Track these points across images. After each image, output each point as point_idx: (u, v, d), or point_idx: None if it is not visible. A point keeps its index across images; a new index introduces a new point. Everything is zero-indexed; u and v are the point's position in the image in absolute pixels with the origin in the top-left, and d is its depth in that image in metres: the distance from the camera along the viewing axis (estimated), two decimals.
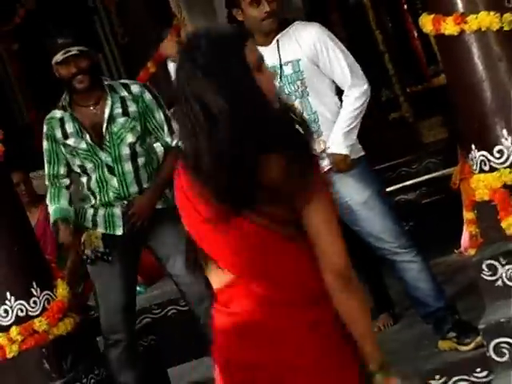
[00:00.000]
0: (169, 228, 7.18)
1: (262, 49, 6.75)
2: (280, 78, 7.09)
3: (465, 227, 7.59)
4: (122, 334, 7.37)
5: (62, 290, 7.56)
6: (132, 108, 7.05)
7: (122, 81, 7.39)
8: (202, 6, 11.21)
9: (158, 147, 7.45)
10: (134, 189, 7.14)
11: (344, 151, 7.05)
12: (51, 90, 7.38)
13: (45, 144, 7.27)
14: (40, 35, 7.54)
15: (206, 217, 4.14)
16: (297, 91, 7.11)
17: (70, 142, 7.00)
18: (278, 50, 7.02)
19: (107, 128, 6.97)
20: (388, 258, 7.24)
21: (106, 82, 7.23)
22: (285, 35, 7.04)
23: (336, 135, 7.09)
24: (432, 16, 6.87)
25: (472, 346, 6.76)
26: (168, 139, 7.34)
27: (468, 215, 7.26)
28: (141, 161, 7.14)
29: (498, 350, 6.34)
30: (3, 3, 11.78)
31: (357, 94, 7.08)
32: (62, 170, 7.20)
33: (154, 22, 10.04)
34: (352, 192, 7.12)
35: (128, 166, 7.09)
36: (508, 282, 6.61)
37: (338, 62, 7.05)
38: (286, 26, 7.13)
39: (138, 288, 10.28)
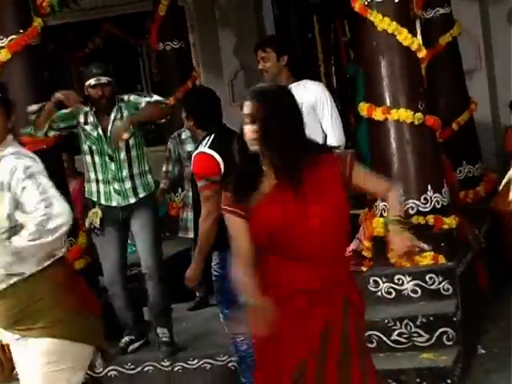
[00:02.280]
0: (148, 212, 7.11)
1: None
2: None
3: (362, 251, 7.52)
4: (119, 284, 7.21)
5: (81, 239, 7.63)
6: (125, 113, 7.04)
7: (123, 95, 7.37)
8: (212, 65, 11.33)
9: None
10: (126, 172, 7.05)
11: None
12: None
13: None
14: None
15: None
16: None
17: (87, 128, 7.04)
18: None
19: (111, 128, 6.98)
20: None
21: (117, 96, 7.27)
22: (297, 85, 6.78)
23: None
24: (367, 105, 7.00)
25: None
26: (147, 98, 7.21)
27: (366, 243, 7.26)
28: (133, 152, 7.07)
29: (370, 339, 6.35)
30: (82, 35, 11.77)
31: (333, 142, 6.62)
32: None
33: (178, 70, 10.07)
34: None
35: (123, 155, 7.03)
36: (385, 295, 6.70)
37: (328, 118, 6.89)
38: (299, 80, 6.97)
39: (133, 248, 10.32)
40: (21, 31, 7.55)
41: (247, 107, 4.19)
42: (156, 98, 7.28)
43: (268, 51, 6.94)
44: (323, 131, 6.97)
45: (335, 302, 4.29)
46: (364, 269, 7.17)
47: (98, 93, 6.99)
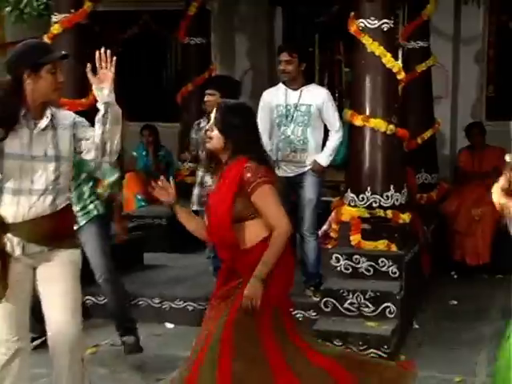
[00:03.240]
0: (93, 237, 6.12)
1: (290, 91, 6.84)
2: (297, 110, 6.83)
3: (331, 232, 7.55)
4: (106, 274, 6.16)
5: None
6: None
7: None
8: (227, 61, 11.33)
9: None
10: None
11: (324, 163, 6.89)
12: None
13: None
14: None
15: None
16: (303, 122, 6.82)
17: None
18: (300, 95, 6.80)
19: None
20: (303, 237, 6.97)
21: None
22: (306, 89, 6.85)
23: (324, 153, 6.90)
24: (351, 111, 6.98)
25: (318, 297, 6.69)
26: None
27: (334, 226, 7.29)
28: None
29: (326, 304, 6.40)
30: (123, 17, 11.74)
31: (337, 137, 6.93)
32: None
33: (198, 62, 10.05)
34: (309, 189, 6.90)
35: None
36: (344, 270, 6.70)
37: (332, 115, 6.89)
38: (309, 83, 6.98)
39: (142, 203, 10.32)
40: (72, 11, 7.56)
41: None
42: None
43: (293, 56, 6.87)
44: (325, 126, 7.00)
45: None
46: (329, 246, 7.25)
47: None
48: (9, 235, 4.25)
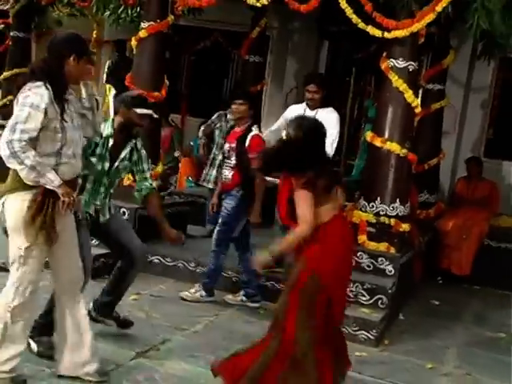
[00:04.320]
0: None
1: (308, 110, 6.76)
2: None
3: None
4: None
5: (159, 168, 7.61)
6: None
7: None
8: (277, 79, 11.26)
9: None
10: None
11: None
12: None
13: None
14: None
15: None
16: None
17: None
18: (315, 114, 6.48)
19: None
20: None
21: None
22: (322, 110, 6.75)
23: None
24: (372, 134, 6.90)
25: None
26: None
27: None
28: None
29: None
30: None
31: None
32: None
33: (254, 76, 9.99)
34: None
35: None
36: None
37: (332, 133, 6.41)
38: (327, 107, 6.86)
39: (191, 184, 10.24)
40: (158, 20, 7.54)
41: None
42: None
43: (320, 88, 6.85)
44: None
45: None
46: None
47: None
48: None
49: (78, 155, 4.19)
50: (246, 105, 6.60)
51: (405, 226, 6.82)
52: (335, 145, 6.64)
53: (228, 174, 6.57)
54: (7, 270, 5.68)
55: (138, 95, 5.27)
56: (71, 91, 4.19)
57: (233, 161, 6.52)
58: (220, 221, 6.53)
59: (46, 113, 3.92)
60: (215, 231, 6.60)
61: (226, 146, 6.67)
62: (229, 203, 6.48)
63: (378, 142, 6.81)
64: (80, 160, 4.24)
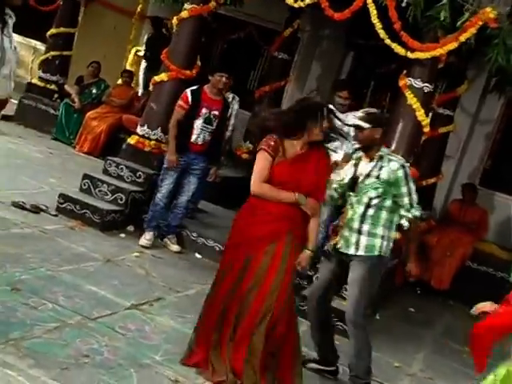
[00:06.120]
0: None
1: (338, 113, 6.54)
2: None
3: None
4: None
5: None
6: None
7: None
8: (300, 78, 11.35)
9: None
10: None
11: None
12: None
13: None
14: None
15: None
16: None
17: None
18: (346, 118, 6.19)
19: None
20: None
21: None
22: (348, 114, 6.42)
23: None
24: None
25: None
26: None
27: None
28: None
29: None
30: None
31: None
32: None
33: (279, 73, 10.05)
34: None
35: None
36: None
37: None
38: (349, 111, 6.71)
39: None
40: (201, 4, 7.61)
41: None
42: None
43: (351, 95, 7.02)
44: None
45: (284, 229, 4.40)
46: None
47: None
48: None
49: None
50: None
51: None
52: None
53: None
54: (25, 209, 5.87)
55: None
56: (11, 14, 4.03)
57: None
58: None
59: None
60: None
61: None
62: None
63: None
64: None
